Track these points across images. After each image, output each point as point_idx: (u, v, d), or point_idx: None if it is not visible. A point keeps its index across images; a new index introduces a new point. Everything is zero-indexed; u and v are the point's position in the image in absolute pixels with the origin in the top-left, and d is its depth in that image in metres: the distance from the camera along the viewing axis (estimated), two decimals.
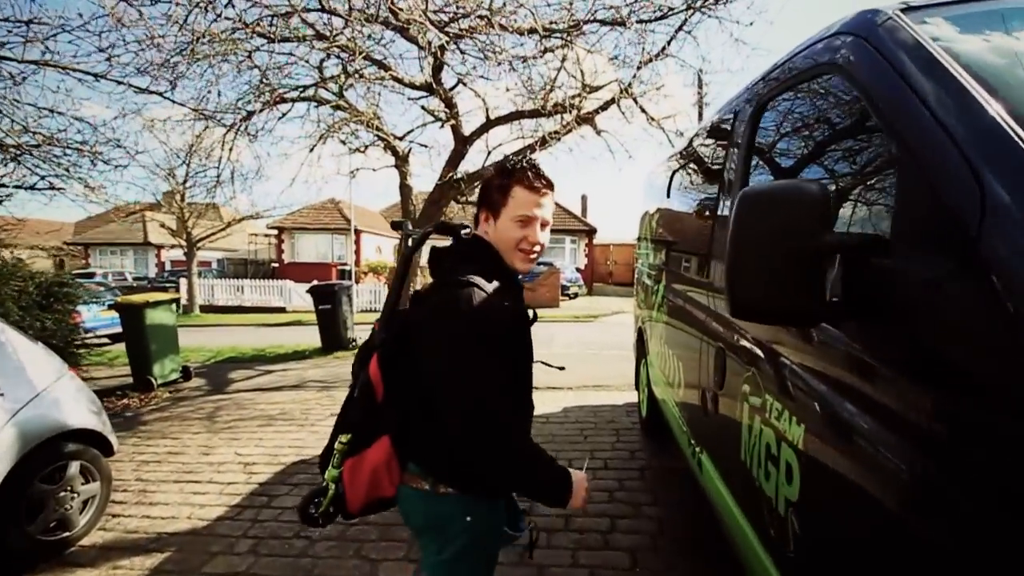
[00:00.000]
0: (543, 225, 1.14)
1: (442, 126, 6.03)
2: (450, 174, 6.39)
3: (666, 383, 2.60)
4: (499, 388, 1.02)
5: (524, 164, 1.13)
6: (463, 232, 1.16)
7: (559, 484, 1.09)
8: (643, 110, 6.30)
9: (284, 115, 6.37)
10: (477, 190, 8.05)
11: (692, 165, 2.61)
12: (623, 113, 6.28)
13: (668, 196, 2.98)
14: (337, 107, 6.49)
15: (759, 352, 1.33)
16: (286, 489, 2.97)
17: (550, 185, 1.14)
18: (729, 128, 1.92)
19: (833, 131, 1.17)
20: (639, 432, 3.57)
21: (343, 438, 1.14)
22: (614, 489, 2.73)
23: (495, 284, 1.08)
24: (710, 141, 2.31)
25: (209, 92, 5.73)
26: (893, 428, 0.78)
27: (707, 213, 2.11)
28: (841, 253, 0.85)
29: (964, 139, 0.74)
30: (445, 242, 1.19)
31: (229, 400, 4.91)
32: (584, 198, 25.04)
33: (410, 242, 1.41)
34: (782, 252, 0.85)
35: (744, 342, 1.45)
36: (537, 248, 1.13)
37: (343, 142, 6.43)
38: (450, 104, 6.07)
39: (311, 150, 6.87)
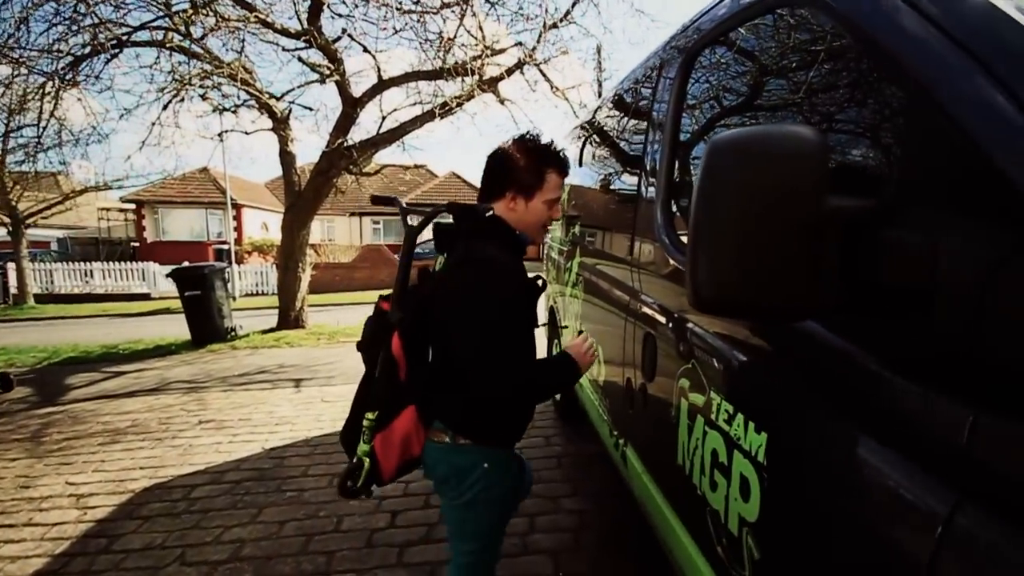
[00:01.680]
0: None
1: (323, 82, 5.31)
2: (339, 140, 5.71)
3: None
4: (518, 350, 1.20)
5: (554, 150, 1.26)
6: (486, 213, 1.25)
7: (566, 374, 1.25)
8: (547, 78, 6.09)
9: (117, 54, 5.23)
10: (373, 159, 7.35)
11: (604, 134, 2.41)
12: (527, 81, 6.02)
13: (579, 167, 2.78)
14: (194, 55, 5.47)
15: (703, 343, 1.15)
16: (133, 525, 2.40)
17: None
18: (650, 88, 1.71)
19: (797, 75, 0.97)
20: (553, 416, 3.44)
21: (370, 415, 1.26)
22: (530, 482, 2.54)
23: (510, 259, 1.23)
24: (625, 105, 2.11)
25: (18, 31, 4.50)
26: (908, 452, 0.60)
27: (627, 183, 1.92)
28: (844, 225, 0.64)
29: (1006, 68, 0.55)
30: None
31: (63, 413, 3.99)
32: None
33: (410, 219, 1.45)
34: (771, 223, 0.62)
35: (682, 329, 1.27)
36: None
37: (203, 97, 5.44)
38: (333, 58, 5.36)
39: (164, 107, 5.78)
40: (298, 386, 4.45)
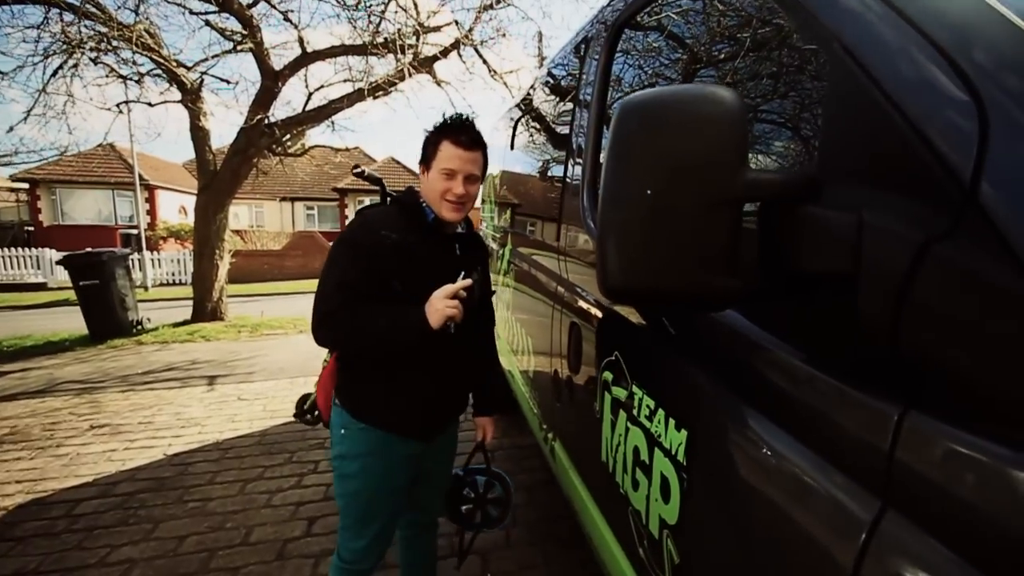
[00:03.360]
0: (469, 179, 1.26)
1: (236, 49, 4.85)
2: (259, 116, 5.27)
3: (513, 356, 2.36)
4: (345, 292, 1.19)
5: (453, 120, 1.26)
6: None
7: (404, 324, 1.20)
8: (484, 61, 5.92)
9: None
10: (299, 139, 6.89)
11: (534, 117, 2.32)
12: (464, 63, 5.82)
13: (511, 151, 2.68)
14: (87, 15, 4.82)
15: (625, 334, 1.08)
16: (3, 548, 2.07)
17: (476, 142, 1.27)
18: (577, 66, 1.62)
19: (722, 44, 0.91)
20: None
21: (326, 355, 1.48)
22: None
23: (390, 219, 1.26)
24: (553, 86, 2.02)
25: None
26: (830, 452, 0.55)
27: (553, 167, 1.84)
28: (762, 201, 0.57)
29: (947, 35, 0.49)
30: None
31: None
32: None
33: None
34: (683, 198, 0.54)
35: (605, 318, 1.20)
36: (464, 200, 1.26)
37: (94, 61, 4.81)
38: (248, 24, 4.91)
39: (54, 74, 5.09)
40: (211, 384, 4.09)
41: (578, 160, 1.46)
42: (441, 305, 1.18)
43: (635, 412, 0.99)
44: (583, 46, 1.58)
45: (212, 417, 3.38)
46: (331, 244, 1.27)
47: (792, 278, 0.56)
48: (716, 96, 0.53)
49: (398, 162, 21.61)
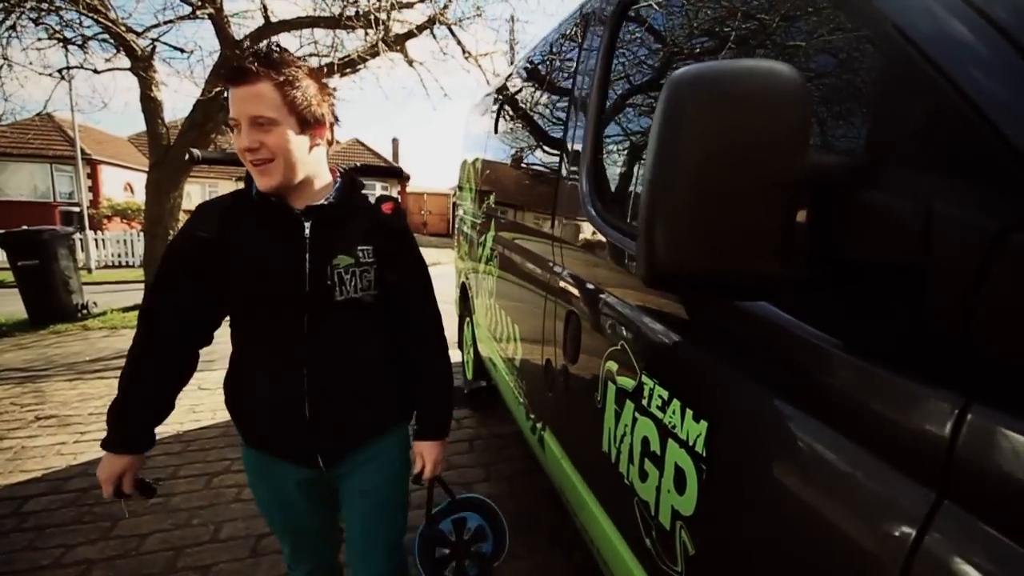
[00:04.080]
0: (257, 124, 0.91)
1: (194, 14, 4.54)
2: (217, 88, 4.96)
3: (496, 345, 2.32)
4: (157, 299, 1.04)
5: (250, 51, 0.97)
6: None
7: (109, 432, 1.04)
8: (459, 42, 5.77)
9: None
10: None
11: (520, 100, 2.26)
12: (437, 41, 5.65)
13: (495, 135, 2.61)
14: None
15: (634, 323, 1.06)
16: None
17: (250, 73, 0.89)
18: (575, 47, 1.58)
19: (752, 23, 0.88)
20: (464, 397, 3.31)
21: None
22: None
23: (220, 206, 1.04)
24: (543, 68, 1.96)
25: None
26: (880, 447, 0.54)
27: (547, 152, 1.79)
28: (823, 186, 0.54)
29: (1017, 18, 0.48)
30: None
31: None
32: (395, 142, 23.54)
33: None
34: (741, 182, 0.51)
35: (607, 308, 1.17)
36: (263, 155, 0.92)
37: (35, 21, 4.40)
38: None
39: None
40: None
41: (577, 146, 1.42)
42: (102, 475, 1.03)
43: (644, 402, 0.97)
44: (580, 27, 1.53)
45: None
46: None
47: (845, 266, 0.54)
48: (779, 72, 0.50)
49: (363, 144, 20.98)
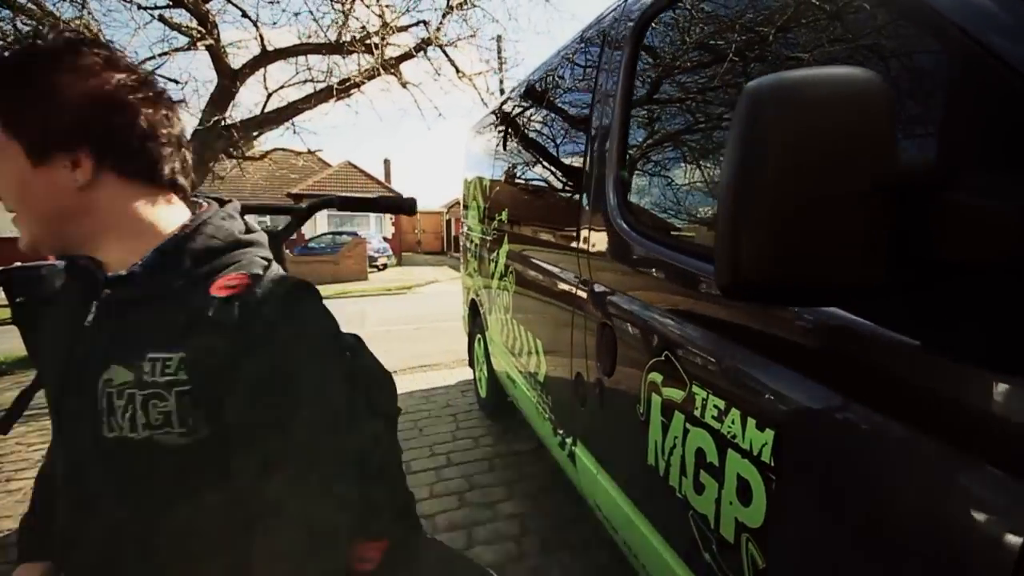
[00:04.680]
0: None
1: (192, 46, 4.57)
2: (215, 118, 4.98)
3: (514, 360, 2.31)
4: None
5: None
6: None
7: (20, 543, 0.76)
8: (452, 62, 5.85)
9: None
10: (258, 142, 6.58)
11: (531, 117, 2.28)
12: (431, 62, 5.73)
13: (504, 154, 2.63)
14: (20, 10, 4.42)
15: (679, 332, 1.05)
16: None
17: None
18: (594, 61, 1.60)
19: (783, 34, 0.89)
20: (479, 414, 3.28)
21: None
22: (464, 490, 2.37)
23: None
24: (553, 82, 1.99)
25: None
26: (977, 448, 0.53)
27: (568, 167, 1.80)
28: (909, 189, 0.55)
29: None
30: None
31: None
32: (387, 162, 23.74)
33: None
34: (831, 186, 0.51)
35: (647, 318, 1.17)
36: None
37: None
38: (204, 20, 4.63)
39: None
40: None
41: (603, 160, 1.42)
42: None
43: (697, 413, 0.96)
44: (599, 39, 1.55)
45: None
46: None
47: (934, 268, 0.54)
48: (861, 77, 0.50)
49: (355, 166, 21.09)
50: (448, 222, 22.89)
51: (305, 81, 5.63)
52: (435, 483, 2.43)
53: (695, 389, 0.97)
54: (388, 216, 20.73)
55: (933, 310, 0.57)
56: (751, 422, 0.83)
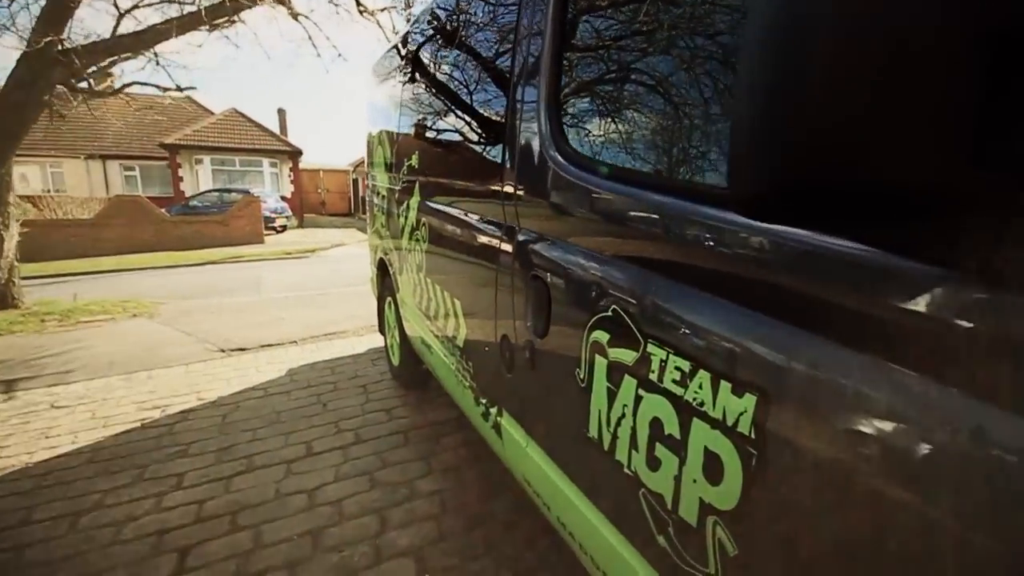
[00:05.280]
0: None
1: None
2: (49, 38, 3.98)
3: (429, 324, 2.07)
4: None
5: None
6: None
7: None
8: None
9: None
10: (111, 75, 5.49)
11: (441, 53, 1.97)
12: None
13: (410, 97, 2.29)
14: None
15: (631, 281, 0.88)
16: None
17: None
18: None
19: None
20: (391, 384, 3.02)
21: None
22: (375, 469, 2.13)
23: None
24: (460, 15, 1.69)
25: None
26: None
27: (484, 103, 1.54)
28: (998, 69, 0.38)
29: None
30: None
31: None
32: (282, 112, 21.44)
33: None
34: (915, 40, 0.33)
35: (590, 266, 0.99)
36: None
37: None
38: None
39: None
40: (8, 391, 3.10)
41: (530, 83, 1.19)
42: None
43: (653, 377, 0.80)
44: None
45: (13, 435, 2.54)
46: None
47: None
48: None
49: (242, 114, 18.80)
50: (355, 181, 21.41)
51: (165, 0, 4.68)
52: (342, 464, 2.16)
53: (651, 349, 0.81)
54: (286, 173, 18.87)
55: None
56: (725, 387, 0.68)
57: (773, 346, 0.63)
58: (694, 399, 0.73)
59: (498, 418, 1.46)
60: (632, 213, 0.88)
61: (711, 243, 0.71)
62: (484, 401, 1.57)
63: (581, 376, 1.00)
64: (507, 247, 1.32)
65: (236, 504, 1.93)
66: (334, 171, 22.40)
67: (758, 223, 0.62)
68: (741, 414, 0.65)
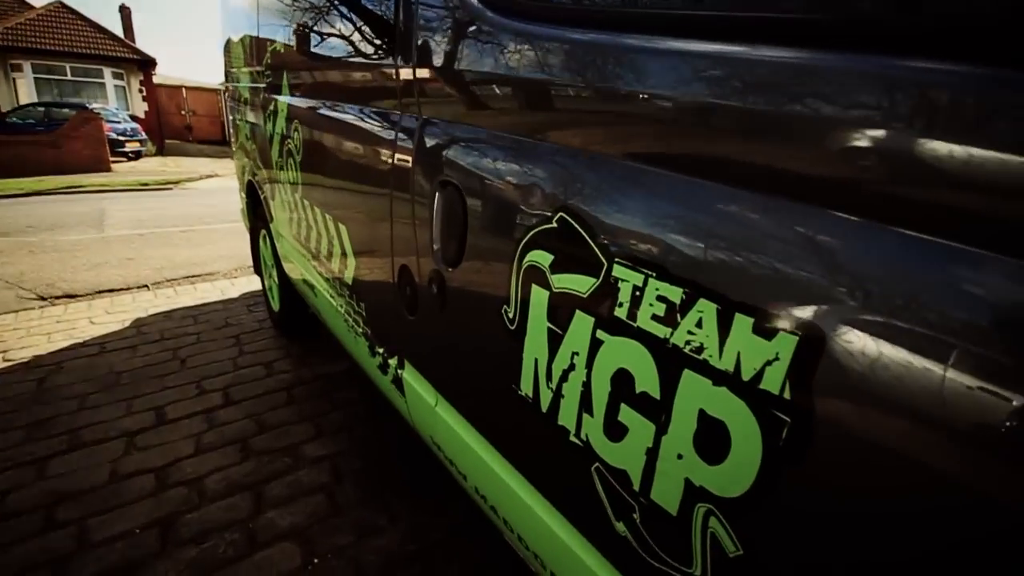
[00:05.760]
0: None
1: None
2: None
3: (311, 259, 1.67)
4: None
5: None
6: None
7: None
8: None
9: None
10: None
11: None
12: None
13: None
14: None
15: (600, 173, 0.60)
16: None
17: None
18: None
19: None
20: (272, 334, 2.56)
21: None
22: (250, 435, 1.75)
23: None
24: None
25: None
26: None
27: None
28: None
29: None
30: None
31: None
32: (125, 10, 17.54)
33: None
34: None
35: (531, 159, 0.69)
36: None
37: None
38: None
39: None
40: None
41: None
42: None
43: (622, 312, 0.56)
44: None
45: None
46: None
47: None
48: None
49: (72, 10, 15.10)
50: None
51: None
52: (205, 432, 1.75)
53: (619, 272, 0.56)
54: (136, 88, 15.72)
55: None
56: (742, 322, 0.44)
57: (833, 257, 0.39)
58: (688, 343, 0.49)
59: (399, 371, 1.17)
60: (600, 68, 0.59)
61: (739, 92, 0.45)
62: (381, 351, 1.26)
63: (510, 315, 0.73)
64: (404, 146, 0.97)
65: (53, 494, 1.47)
66: (201, 89, 19.16)
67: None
68: (770, 363, 0.43)
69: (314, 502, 1.47)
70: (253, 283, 3.26)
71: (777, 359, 0.42)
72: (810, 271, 0.41)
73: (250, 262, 3.28)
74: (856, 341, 0.38)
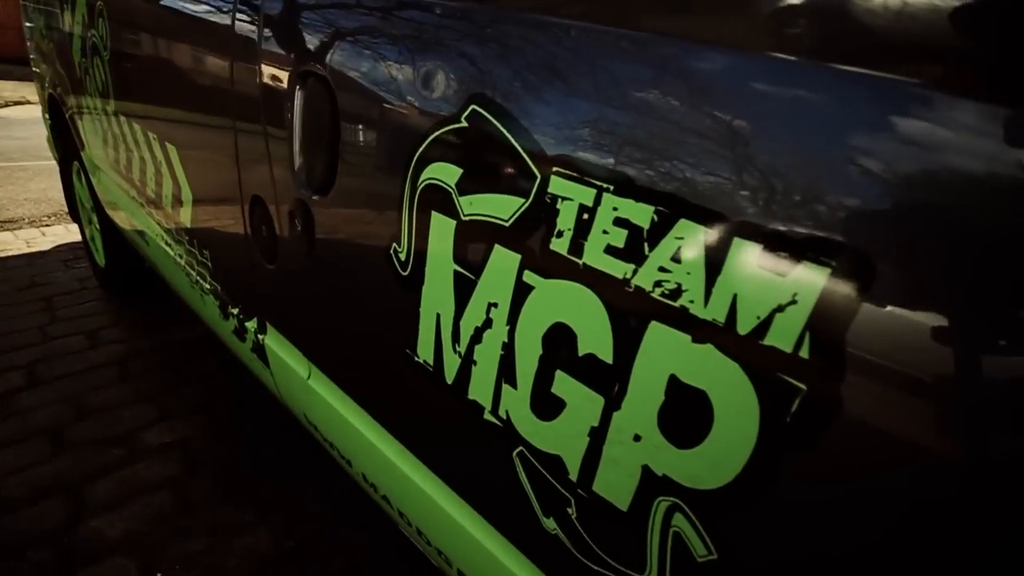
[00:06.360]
0: None
1: None
2: None
3: (137, 195, 1.29)
4: None
5: None
6: None
7: None
8: None
9: None
10: None
11: None
12: None
13: None
14: None
15: (514, 64, 0.42)
16: None
17: None
18: None
19: None
20: (99, 295, 2.04)
21: None
22: (65, 424, 1.36)
23: None
24: None
25: None
26: None
27: None
28: None
29: None
30: None
31: None
32: None
33: None
34: None
35: (429, 17, 0.49)
36: None
37: None
38: None
39: None
40: None
41: None
42: None
43: (560, 246, 0.40)
44: None
45: None
46: None
47: None
48: None
49: None
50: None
51: None
52: (0, 422, 1.34)
53: (559, 187, 0.39)
54: None
55: None
56: (745, 252, 0.31)
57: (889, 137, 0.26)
58: (659, 284, 0.35)
59: (259, 336, 0.92)
60: None
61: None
62: (235, 312, 0.99)
63: (402, 256, 0.54)
64: (248, 25, 0.70)
65: None
66: None
67: None
68: (782, 308, 0.30)
69: (156, 502, 1.18)
70: (73, 233, 2.60)
71: (794, 302, 0.29)
72: (849, 168, 0.27)
73: (65, 207, 2.60)
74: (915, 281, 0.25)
